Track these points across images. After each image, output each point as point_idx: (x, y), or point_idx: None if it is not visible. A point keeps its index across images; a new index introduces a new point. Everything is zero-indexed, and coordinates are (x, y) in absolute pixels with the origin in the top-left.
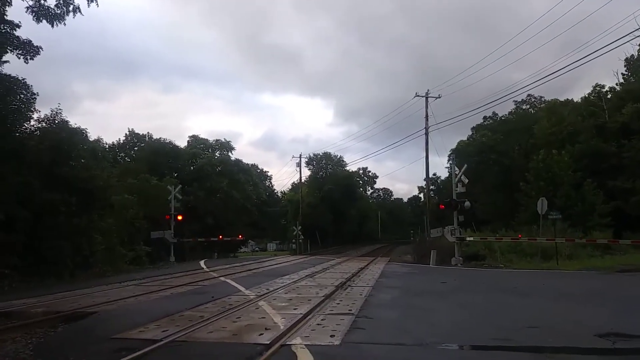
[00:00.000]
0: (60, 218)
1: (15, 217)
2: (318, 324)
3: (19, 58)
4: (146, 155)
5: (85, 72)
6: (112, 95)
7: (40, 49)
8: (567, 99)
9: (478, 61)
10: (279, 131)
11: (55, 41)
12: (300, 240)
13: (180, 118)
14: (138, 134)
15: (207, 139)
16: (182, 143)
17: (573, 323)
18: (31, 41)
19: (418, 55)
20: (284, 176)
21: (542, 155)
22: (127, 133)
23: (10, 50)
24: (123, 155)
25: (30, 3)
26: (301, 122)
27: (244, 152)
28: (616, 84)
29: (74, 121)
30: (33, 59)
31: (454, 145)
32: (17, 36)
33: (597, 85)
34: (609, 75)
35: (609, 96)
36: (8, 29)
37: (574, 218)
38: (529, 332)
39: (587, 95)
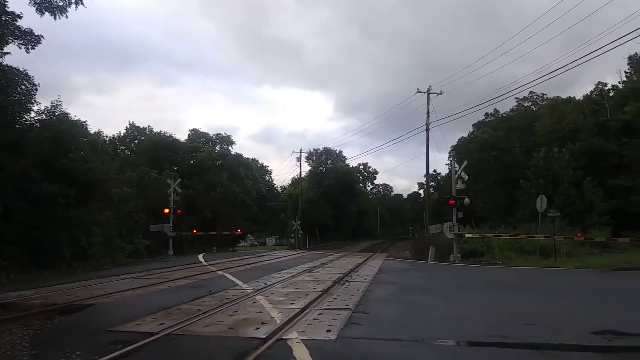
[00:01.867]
0: (57, 209)
1: (13, 208)
2: (315, 319)
3: (20, 48)
4: (146, 149)
5: (84, 63)
6: (110, 87)
7: (42, 38)
8: (569, 97)
9: (481, 57)
10: (278, 125)
11: (52, 31)
12: (299, 235)
13: (179, 111)
14: (138, 127)
15: (207, 133)
16: (180, 136)
17: (569, 320)
18: (32, 30)
19: (420, 49)
20: (284, 170)
21: (542, 153)
22: (128, 126)
23: (12, 41)
24: (123, 148)
25: None
26: (301, 116)
27: (242, 146)
28: (619, 82)
29: (74, 113)
30: (34, 49)
31: (454, 141)
32: (18, 26)
33: (599, 83)
34: (612, 71)
35: (611, 94)
36: (9, 20)
37: (573, 216)
38: (526, 329)
39: (589, 93)
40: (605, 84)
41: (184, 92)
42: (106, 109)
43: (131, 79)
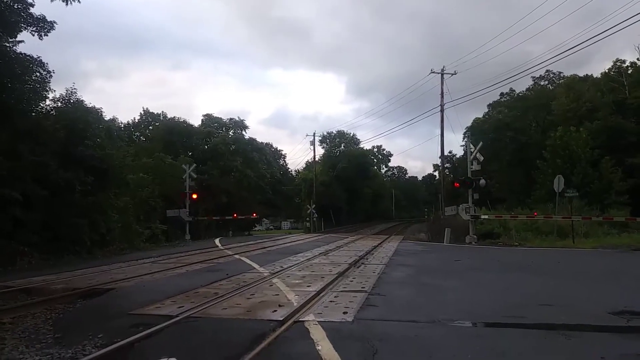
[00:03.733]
0: (76, 196)
1: (32, 195)
2: (331, 301)
3: (33, 35)
4: (161, 134)
5: (93, 49)
6: (121, 73)
7: (55, 24)
8: (586, 75)
9: (495, 36)
10: (290, 108)
11: (60, 17)
12: (314, 219)
13: (191, 96)
14: (153, 113)
15: (220, 118)
16: (193, 121)
17: (587, 301)
18: (45, 17)
19: (432, 29)
20: (298, 154)
21: (559, 132)
22: (142, 112)
23: (24, 28)
24: (138, 134)
25: None
26: (312, 99)
27: (255, 130)
28: (637, 59)
29: (87, 100)
30: (47, 35)
31: (469, 121)
32: (31, 13)
33: (617, 60)
34: (630, 46)
35: (629, 71)
36: (22, 7)
37: (591, 196)
38: (543, 309)
39: (607, 71)
40: (624, 61)
41: (195, 76)
42: (118, 95)
43: (141, 64)
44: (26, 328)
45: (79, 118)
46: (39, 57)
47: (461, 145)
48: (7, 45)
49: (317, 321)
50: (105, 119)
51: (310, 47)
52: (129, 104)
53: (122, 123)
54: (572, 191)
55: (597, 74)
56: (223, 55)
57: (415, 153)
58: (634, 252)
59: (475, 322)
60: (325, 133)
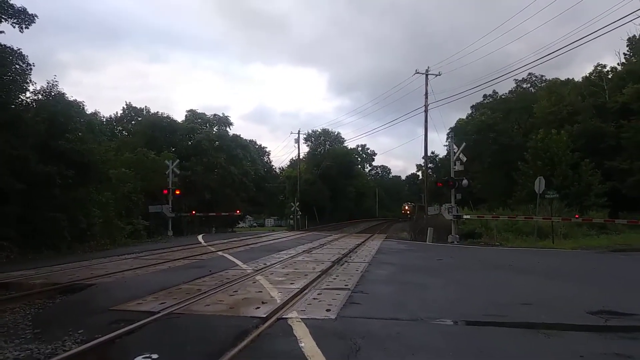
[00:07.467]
0: (56, 190)
1: (10, 188)
2: (314, 299)
3: (14, 27)
4: (143, 129)
5: (69, 39)
6: (98, 65)
7: (36, 17)
8: (568, 79)
9: (480, 37)
10: (270, 104)
11: (31, 2)
12: (298, 217)
13: (170, 89)
14: (135, 107)
15: (204, 114)
16: (177, 116)
17: (566, 300)
18: (26, 9)
19: (412, 25)
20: (281, 152)
21: (541, 135)
22: (125, 107)
23: (5, 19)
24: (121, 129)
25: None
26: (293, 96)
27: (236, 126)
28: (617, 64)
29: (67, 93)
30: (28, 28)
31: (452, 121)
32: (12, 4)
33: (598, 65)
34: (610, 51)
35: (610, 76)
36: None
37: (570, 197)
38: (523, 308)
39: (588, 75)
40: (604, 66)
41: (174, 69)
42: (96, 88)
43: (118, 55)
44: (5, 323)
45: (59, 111)
46: (19, 49)
47: (444, 145)
48: None
49: (300, 318)
50: (87, 112)
51: (289, 41)
52: (108, 96)
53: (104, 117)
54: (553, 193)
55: (578, 77)
56: (201, 48)
57: (397, 152)
58: (612, 253)
59: (456, 320)
60: (310, 131)
